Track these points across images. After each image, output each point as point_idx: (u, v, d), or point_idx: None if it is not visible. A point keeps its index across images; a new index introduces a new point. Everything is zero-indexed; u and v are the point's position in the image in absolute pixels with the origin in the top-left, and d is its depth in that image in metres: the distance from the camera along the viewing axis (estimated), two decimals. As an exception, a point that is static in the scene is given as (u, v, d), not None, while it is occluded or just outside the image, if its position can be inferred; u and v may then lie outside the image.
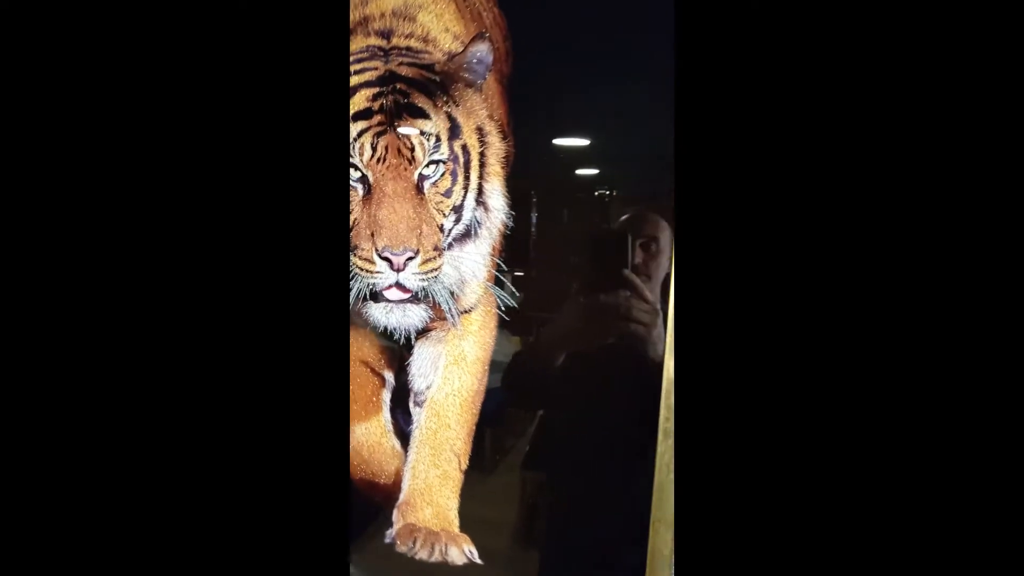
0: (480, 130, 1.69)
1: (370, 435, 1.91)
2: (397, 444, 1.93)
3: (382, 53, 1.67)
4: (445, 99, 1.65)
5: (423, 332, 1.79)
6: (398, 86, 1.64)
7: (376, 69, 1.66)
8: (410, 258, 1.61)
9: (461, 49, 1.68)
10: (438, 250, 1.65)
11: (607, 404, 1.82)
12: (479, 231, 1.72)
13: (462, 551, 1.83)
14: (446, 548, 1.83)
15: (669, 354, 1.62)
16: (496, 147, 1.71)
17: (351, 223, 1.63)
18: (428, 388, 1.86)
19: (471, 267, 1.73)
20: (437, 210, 1.65)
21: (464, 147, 1.67)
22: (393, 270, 1.62)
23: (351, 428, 1.89)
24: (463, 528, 1.86)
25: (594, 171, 1.83)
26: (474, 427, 1.86)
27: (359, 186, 1.64)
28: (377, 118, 1.62)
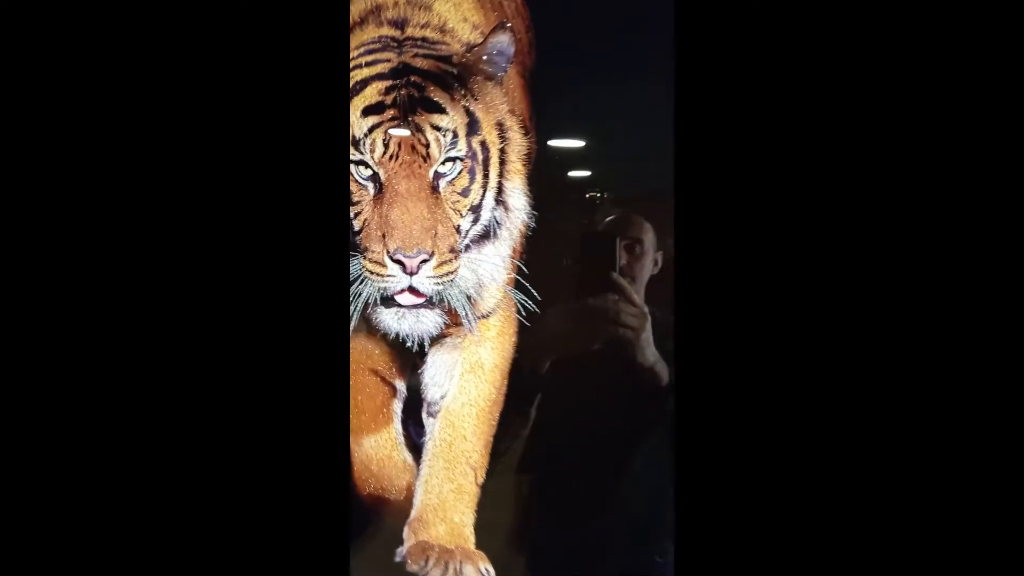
0: (500, 125, 1.67)
1: (380, 448, 1.87)
2: (409, 457, 1.89)
3: (395, 44, 1.65)
4: (463, 93, 1.62)
5: (437, 339, 1.76)
6: (412, 79, 1.61)
7: (389, 61, 1.63)
8: (424, 260, 1.58)
9: (480, 40, 1.65)
10: (454, 252, 1.62)
11: (596, 410, 1.83)
12: (498, 232, 1.69)
13: (478, 569, 1.80)
14: (461, 567, 1.79)
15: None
16: (517, 143, 1.68)
17: (361, 224, 1.61)
18: (443, 398, 1.83)
19: (489, 270, 1.70)
20: (453, 210, 1.62)
21: (483, 143, 1.64)
22: (406, 273, 1.59)
23: (359, 441, 1.86)
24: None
25: (586, 173, 1.82)
26: (492, 439, 1.83)
27: (370, 185, 1.61)
28: (390, 113, 1.59)
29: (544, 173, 1.74)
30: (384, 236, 1.57)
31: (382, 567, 1.83)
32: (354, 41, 1.64)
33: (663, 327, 1.79)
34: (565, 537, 1.83)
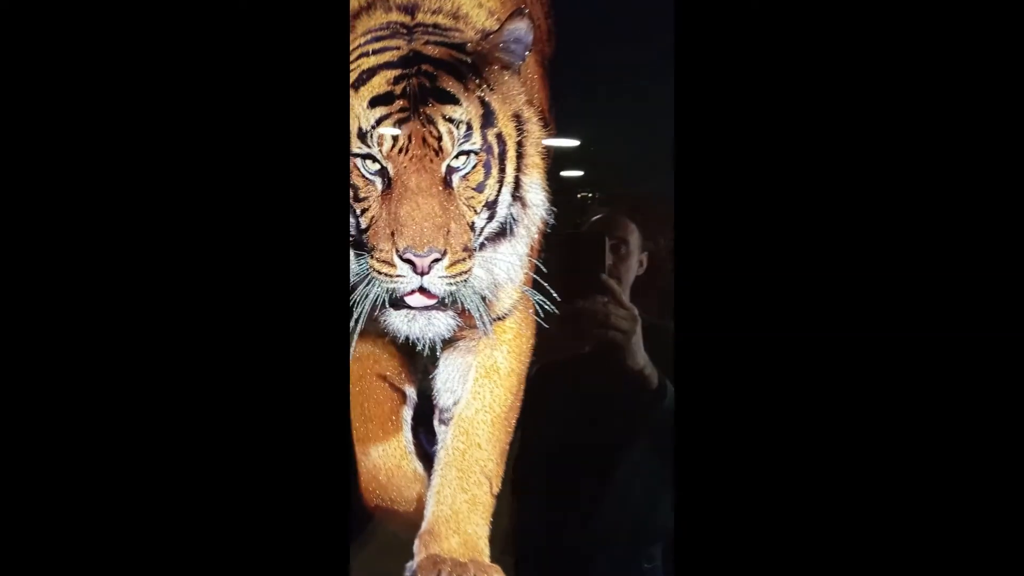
0: (518, 117, 1.63)
1: (388, 457, 1.85)
2: (419, 467, 1.86)
3: (405, 31, 1.61)
4: (478, 82, 1.59)
5: (450, 342, 1.73)
6: (423, 68, 1.57)
7: (398, 49, 1.59)
8: (436, 260, 1.54)
9: (497, 27, 1.61)
10: (468, 251, 1.58)
11: (584, 415, 1.83)
12: (515, 229, 1.66)
13: (494, 584, 1.77)
14: (475, 581, 1.76)
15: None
16: (536, 136, 1.65)
17: (368, 221, 1.57)
18: (456, 404, 1.80)
19: (506, 269, 1.66)
20: (467, 206, 1.58)
21: (499, 136, 1.60)
22: (416, 273, 1.55)
23: (366, 450, 1.84)
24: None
25: (579, 173, 1.81)
26: (508, 446, 1.80)
27: (377, 180, 1.57)
28: (399, 103, 1.55)
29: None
30: (393, 234, 1.53)
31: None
32: (360, 27, 1.61)
33: (655, 331, 1.81)
34: (552, 542, 1.84)
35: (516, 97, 1.62)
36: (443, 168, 1.55)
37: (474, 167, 1.57)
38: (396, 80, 1.56)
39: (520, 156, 1.62)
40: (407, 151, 1.54)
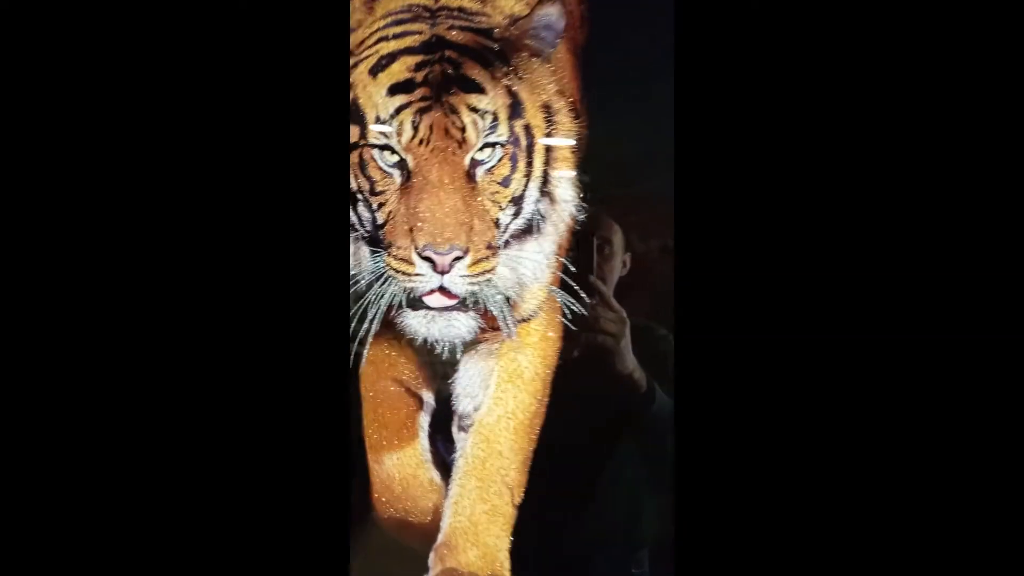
0: (547, 108, 1.58)
1: (404, 466, 1.82)
2: (436, 476, 1.84)
3: (428, 14, 1.57)
4: (505, 71, 1.55)
5: (471, 344, 1.70)
6: (447, 54, 1.53)
7: (420, 33, 1.55)
8: (457, 258, 1.49)
9: (526, 12, 1.58)
10: (492, 248, 1.54)
11: (573, 420, 1.81)
12: (543, 226, 1.61)
13: (515, 600, 1.75)
14: (494, 596, 1.74)
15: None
16: (566, 128, 1.60)
17: (385, 216, 1.53)
18: (476, 410, 1.77)
19: (532, 268, 1.62)
20: (492, 201, 1.54)
21: (527, 128, 1.56)
22: (436, 272, 1.50)
23: (380, 458, 1.81)
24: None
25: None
26: (531, 455, 1.76)
27: (396, 172, 1.53)
28: (420, 92, 1.51)
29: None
30: (412, 230, 1.49)
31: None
32: (380, 9, 1.58)
33: (644, 333, 1.83)
34: (540, 548, 1.80)
35: (546, 87, 1.58)
36: (467, 161, 1.51)
37: (500, 160, 1.53)
38: (418, 67, 1.51)
39: (549, 149, 1.58)
40: (428, 142, 1.49)
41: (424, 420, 1.83)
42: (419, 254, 1.48)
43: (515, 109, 1.54)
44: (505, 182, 1.54)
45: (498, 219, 1.54)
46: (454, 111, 1.49)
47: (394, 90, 1.50)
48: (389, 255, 1.51)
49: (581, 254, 1.72)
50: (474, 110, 1.50)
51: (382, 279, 1.53)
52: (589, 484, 1.87)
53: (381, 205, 1.53)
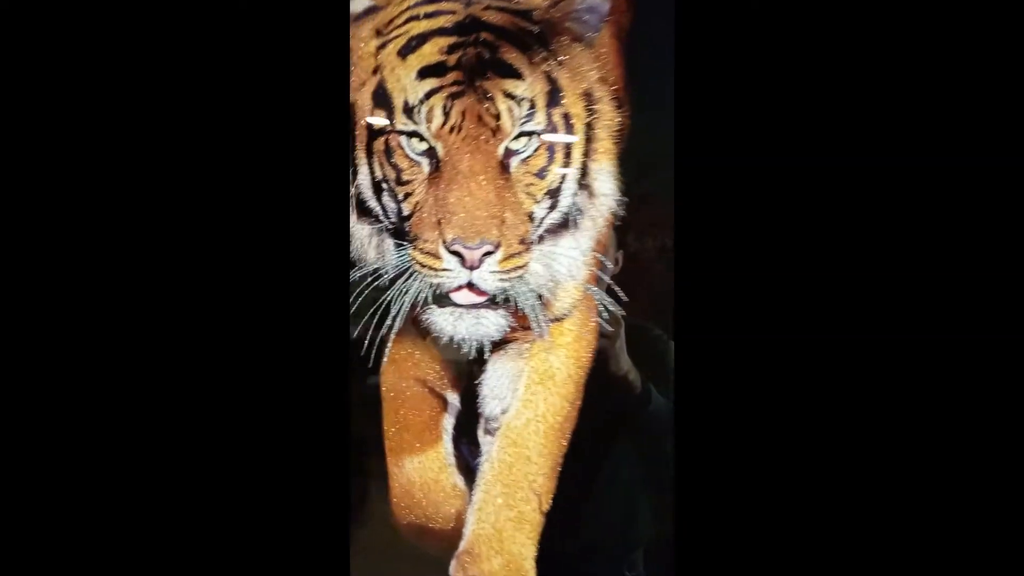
0: (588, 96, 1.53)
1: (426, 471, 1.78)
2: (460, 481, 1.80)
3: (463, -7, 1.54)
4: (544, 55, 1.49)
5: (500, 344, 1.65)
6: (482, 36, 1.48)
7: (453, 13, 1.50)
8: (488, 253, 1.45)
9: (569, -7, 1.54)
10: (525, 244, 1.49)
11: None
12: (580, 221, 1.56)
13: (541, 611, 1.72)
14: (519, 607, 1.72)
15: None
16: (608, 118, 1.55)
17: (412, 207, 1.49)
18: (504, 413, 1.72)
19: (567, 265, 1.57)
20: (527, 194, 1.50)
21: (566, 116, 1.51)
22: (465, 267, 1.46)
23: (400, 462, 1.78)
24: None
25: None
26: (561, 460, 1.72)
27: (424, 161, 1.48)
28: (452, 76, 1.46)
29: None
30: (440, 223, 1.44)
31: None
32: (410, -13, 1.54)
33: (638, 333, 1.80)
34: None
35: (587, 73, 1.53)
36: (500, 150, 1.46)
37: (536, 150, 1.48)
38: (450, 49, 1.46)
39: (589, 140, 1.53)
40: (460, 130, 1.45)
41: (448, 422, 1.79)
42: (447, 248, 1.44)
43: (554, 96, 1.49)
44: (541, 173, 1.50)
45: (532, 212, 1.50)
46: (488, 97, 1.44)
47: (424, 73, 1.46)
48: (415, 249, 1.47)
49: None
50: (510, 96, 1.45)
51: (407, 274, 1.49)
52: (584, 485, 1.83)
53: (407, 195, 1.49)
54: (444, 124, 1.44)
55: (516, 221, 1.46)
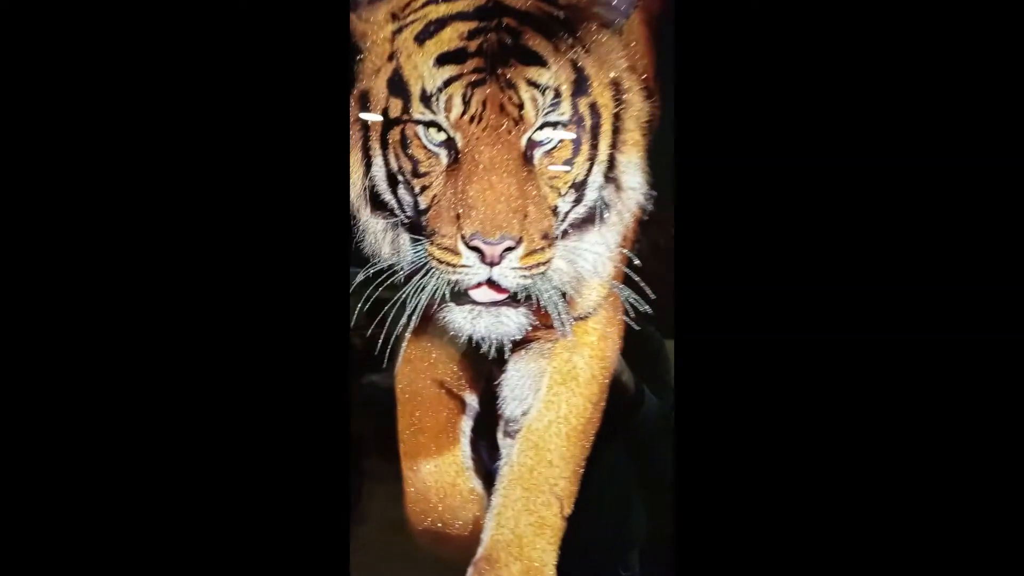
0: (616, 85, 1.51)
1: (442, 474, 1.76)
2: (478, 485, 1.78)
3: (484, -26, 1.52)
4: (570, 42, 1.46)
5: (521, 343, 1.63)
6: (505, 21, 1.45)
7: (475, -4, 1.50)
8: (509, 248, 1.42)
9: (596, -24, 1.52)
10: (548, 239, 1.47)
11: None
12: (606, 215, 1.54)
13: (561, 617, 1.71)
14: (539, 615, 1.70)
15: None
16: (637, 108, 1.52)
17: (429, 201, 1.47)
18: (525, 415, 1.69)
19: (592, 261, 1.55)
20: (551, 187, 1.47)
21: (593, 106, 1.48)
22: (485, 263, 1.43)
23: (415, 466, 1.76)
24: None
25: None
26: (583, 463, 1.70)
27: (442, 152, 1.46)
28: (473, 63, 1.43)
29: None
30: (459, 217, 1.42)
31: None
32: (430, -30, 1.51)
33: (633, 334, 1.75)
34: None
35: (616, 61, 1.50)
36: (523, 141, 1.43)
37: (561, 142, 1.46)
38: (471, 34, 1.44)
39: (617, 131, 1.50)
40: (480, 119, 1.42)
41: (466, 425, 1.77)
42: (466, 243, 1.41)
43: (580, 85, 1.46)
44: (566, 165, 1.47)
45: (556, 206, 1.48)
46: (511, 86, 1.42)
47: (443, 60, 1.43)
48: (432, 244, 1.45)
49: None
50: (534, 85, 1.42)
51: (423, 270, 1.47)
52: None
53: (424, 188, 1.46)
54: (464, 114, 1.42)
55: (539, 215, 1.44)
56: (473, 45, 1.42)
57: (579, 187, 1.49)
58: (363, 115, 1.46)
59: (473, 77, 1.41)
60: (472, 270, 1.43)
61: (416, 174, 1.46)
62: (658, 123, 1.56)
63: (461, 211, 1.41)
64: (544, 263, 1.46)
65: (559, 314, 1.52)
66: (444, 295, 1.48)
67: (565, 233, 1.51)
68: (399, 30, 1.46)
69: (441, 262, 1.44)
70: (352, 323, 1.54)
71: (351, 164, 1.51)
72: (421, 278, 1.46)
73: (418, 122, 1.44)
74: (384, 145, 1.48)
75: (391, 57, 1.46)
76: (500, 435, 1.73)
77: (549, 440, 1.66)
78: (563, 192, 1.47)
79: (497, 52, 1.42)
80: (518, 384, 1.69)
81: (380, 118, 1.45)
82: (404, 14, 1.47)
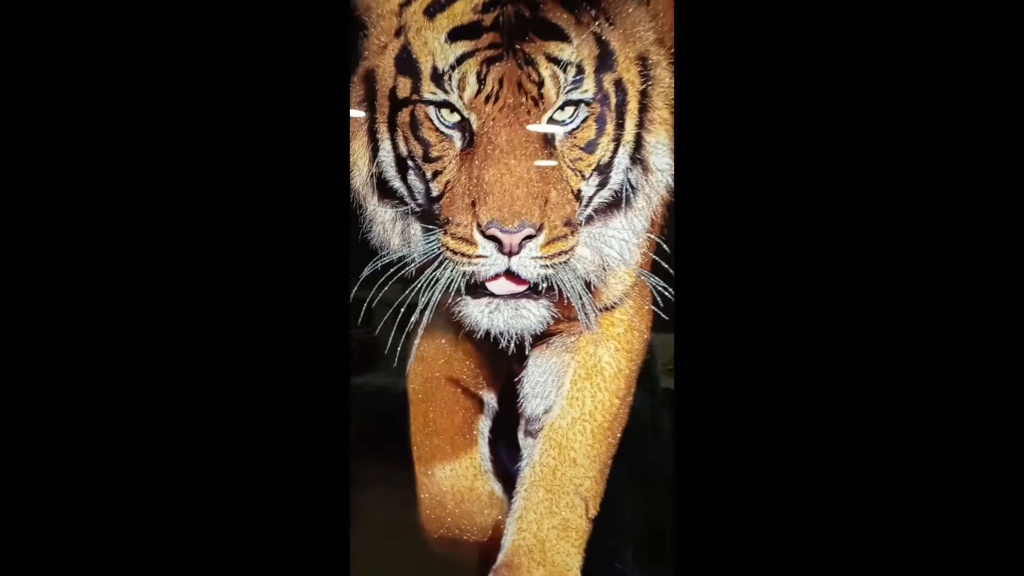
0: (643, 60, 1.45)
1: (459, 478, 1.72)
2: (498, 488, 1.74)
3: (499, -59, 1.48)
4: (594, 14, 1.41)
5: (542, 337, 1.59)
6: None
7: (489, -36, 1.46)
8: (529, 236, 1.38)
9: (622, -57, 1.47)
10: (571, 225, 1.42)
11: None
12: (634, 199, 1.49)
13: (588, 625, 1.68)
14: (565, 623, 1.68)
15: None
16: (665, 84, 1.47)
17: (442, 187, 1.42)
18: (547, 412, 1.65)
19: (618, 248, 1.50)
20: (573, 170, 1.42)
21: (618, 83, 1.43)
22: (503, 253, 1.39)
23: (430, 470, 1.72)
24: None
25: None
26: (610, 462, 1.66)
27: (455, 134, 1.41)
28: (488, 38, 1.38)
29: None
30: (475, 204, 1.37)
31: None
32: (442, -61, 1.48)
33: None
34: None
35: (642, 35, 1.45)
36: (543, 122, 1.39)
37: (584, 121, 1.41)
38: (486, 6, 1.39)
39: (644, 109, 1.45)
40: (497, 99, 1.37)
41: (484, 425, 1.73)
42: (482, 232, 1.37)
43: (604, 61, 1.41)
44: (589, 147, 1.42)
45: (579, 191, 1.43)
46: (530, 62, 1.37)
47: (456, 35, 1.38)
48: (446, 234, 1.40)
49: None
50: (554, 61, 1.37)
51: (437, 262, 1.42)
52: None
53: (437, 174, 1.41)
54: (479, 93, 1.37)
55: (561, 201, 1.39)
56: (488, 18, 1.37)
57: (604, 169, 1.44)
58: (354, 112, 1.42)
59: (489, 53, 1.37)
60: (489, 261, 1.39)
61: (427, 159, 1.41)
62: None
63: (477, 197, 1.36)
64: (567, 251, 1.41)
65: (583, 305, 1.47)
66: (459, 288, 1.43)
67: (589, 219, 1.47)
68: (407, 2, 1.41)
69: (455, 253, 1.39)
70: (359, 320, 1.50)
71: (356, 149, 1.47)
72: (434, 270, 1.42)
73: (429, 102, 1.39)
74: (392, 128, 1.43)
75: (399, 32, 1.41)
76: (521, 435, 1.69)
77: (573, 439, 1.62)
78: (587, 175, 1.43)
79: (514, 25, 1.37)
80: (540, 381, 1.65)
81: (362, 114, 1.42)
82: (413, -15, 1.44)
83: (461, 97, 1.37)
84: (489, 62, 1.36)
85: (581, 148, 1.41)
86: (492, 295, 1.44)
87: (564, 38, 1.37)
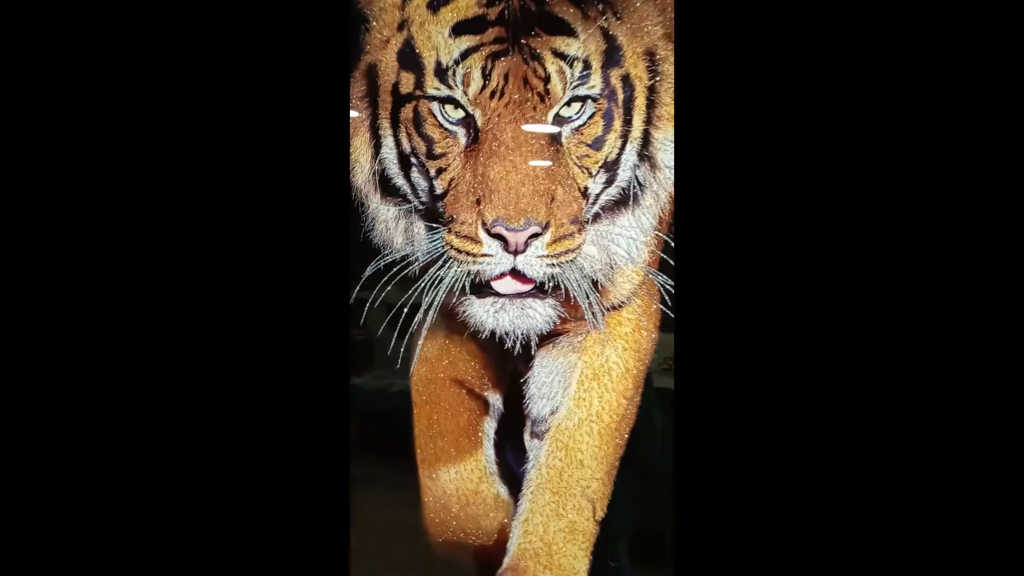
0: (651, 55, 1.45)
1: (464, 481, 1.73)
2: (503, 491, 1.74)
3: (504, -67, 1.48)
4: (601, 8, 1.41)
5: (549, 337, 1.60)
6: None
7: (494, -43, 1.46)
8: (535, 235, 1.37)
9: (631, -65, 1.48)
10: (577, 223, 1.42)
11: None
12: (641, 197, 1.49)
13: (595, 629, 1.68)
14: (571, 627, 1.69)
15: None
16: (673, 79, 1.46)
17: (446, 185, 1.42)
18: (553, 413, 1.65)
19: (626, 246, 1.50)
20: (580, 167, 1.42)
21: (625, 78, 1.43)
22: (508, 252, 1.38)
23: (434, 473, 1.73)
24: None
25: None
26: (617, 463, 1.66)
27: (460, 131, 1.41)
28: (493, 32, 1.38)
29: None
30: (479, 202, 1.37)
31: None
32: (445, -68, 1.48)
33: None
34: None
35: (650, 30, 1.44)
36: (549, 118, 1.39)
37: (591, 117, 1.41)
38: (491, 1, 1.38)
39: (652, 105, 1.45)
40: (502, 94, 1.37)
41: (489, 427, 1.74)
42: (487, 230, 1.37)
43: (612, 56, 1.41)
44: (597, 144, 1.42)
45: (586, 188, 1.43)
46: (536, 57, 1.36)
47: (460, 29, 1.38)
48: (450, 232, 1.40)
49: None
50: (561, 56, 1.37)
51: (441, 261, 1.42)
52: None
53: (441, 171, 1.41)
54: (484, 88, 1.37)
55: (567, 198, 1.39)
56: (493, 12, 1.37)
57: (611, 166, 1.44)
58: (353, 112, 1.43)
59: (494, 48, 1.36)
60: (494, 259, 1.39)
61: (431, 155, 1.41)
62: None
63: (482, 195, 1.36)
64: (573, 250, 1.41)
65: (590, 305, 1.47)
66: (464, 287, 1.43)
67: (596, 216, 1.47)
68: (410, -5, 1.44)
69: (460, 251, 1.39)
70: (361, 320, 1.50)
71: (358, 146, 1.47)
72: (438, 270, 1.42)
73: (433, 98, 1.39)
74: (395, 124, 1.43)
75: (401, 26, 1.41)
76: (527, 436, 1.69)
77: (580, 440, 1.62)
78: (594, 172, 1.42)
79: (520, 20, 1.37)
80: (546, 381, 1.65)
81: (365, 110, 1.42)
82: (415, -23, 1.45)
83: (466, 93, 1.37)
84: (494, 57, 1.35)
85: (588, 145, 1.41)
86: (497, 294, 1.44)
87: (571, 33, 1.37)
